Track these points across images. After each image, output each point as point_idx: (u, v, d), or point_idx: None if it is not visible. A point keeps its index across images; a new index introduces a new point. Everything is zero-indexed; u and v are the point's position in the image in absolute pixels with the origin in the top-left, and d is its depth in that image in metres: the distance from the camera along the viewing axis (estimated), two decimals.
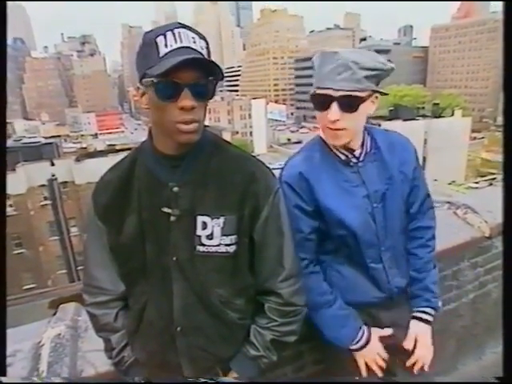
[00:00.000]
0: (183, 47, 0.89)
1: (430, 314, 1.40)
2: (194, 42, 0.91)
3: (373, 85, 1.20)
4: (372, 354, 1.33)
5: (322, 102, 1.20)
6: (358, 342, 1.31)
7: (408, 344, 1.38)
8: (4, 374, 1.14)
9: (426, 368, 1.38)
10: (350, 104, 1.18)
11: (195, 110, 0.93)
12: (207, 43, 0.95)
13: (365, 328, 1.33)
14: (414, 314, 1.41)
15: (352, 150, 1.29)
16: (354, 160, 1.29)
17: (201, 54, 0.91)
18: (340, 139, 1.24)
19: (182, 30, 0.91)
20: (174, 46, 0.89)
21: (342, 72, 1.15)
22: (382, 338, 1.35)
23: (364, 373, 1.32)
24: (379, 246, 1.32)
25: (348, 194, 1.28)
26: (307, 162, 1.30)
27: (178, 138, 0.95)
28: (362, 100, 1.19)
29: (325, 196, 1.27)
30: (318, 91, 1.20)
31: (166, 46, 0.89)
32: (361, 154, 1.30)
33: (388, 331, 1.36)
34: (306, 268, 1.28)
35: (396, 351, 1.41)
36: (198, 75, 0.90)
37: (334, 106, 1.17)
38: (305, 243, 1.28)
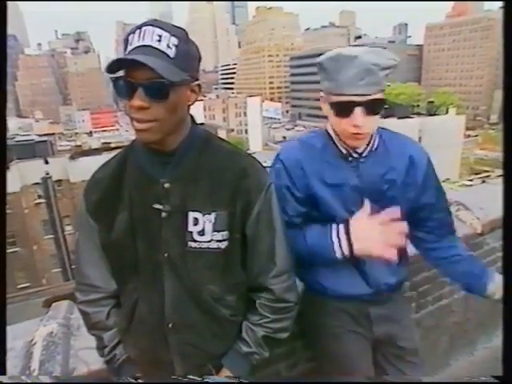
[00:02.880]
0: (142, 46, 0.89)
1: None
2: (159, 41, 0.90)
3: (386, 83, 1.21)
4: (369, 241, 1.17)
5: (345, 109, 1.18)
6: (339, 243, 1.21)
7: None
8: (4, 373, 1.13)
9: None
10: (375, 107, 1.18)
11: (150, 110, 0.91)
12: (182, 40, 0.93)
13: (337, 227, 1.23)
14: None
15: (355, 146, 1.28)
16: (355, 155, 1.29)
17: (164, 52, 0.89)
18: (362, 141, 1.24)
19: (148, 28, 0.90)
20: (134, 45, 0.90)
21: (364, 77, 1.13)
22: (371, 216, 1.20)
23: (393, 256, 1.14)
24: None
25: (341, 187, 1.28)
26: (307, 150, 1.30)
27: (137, 136, 0.96)
28: (384, 102, 1.19)
29: (319, 187, 1.27)
30: (340, 98, 1.17)
31: (130, 44, 0.90)
32: (364, 150, 1.29)
33: (366, 207, 1.21)
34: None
35: (390, 345, 1.42)
36: (152, 75, 0.88)
37: (359, 111, 1.15)
38: (288, 224, 1.26)
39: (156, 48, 0.89)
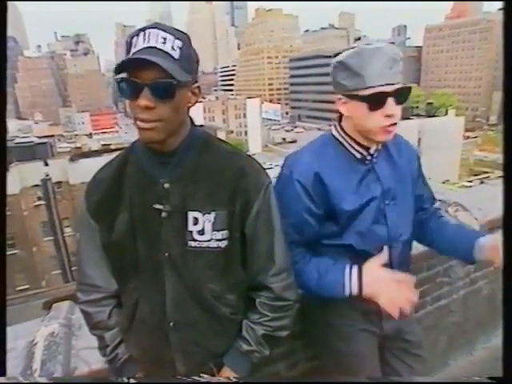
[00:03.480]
0: (148, 47, 0.91)
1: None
2: (164, 43, 0.92)
3: None
4: (380, 288, 1.16)
5: (378, 101, 1.17)
6: (350, 282, 1.20)
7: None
8: (4, 373, 1.14)
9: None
10: (404, 95, 1.20)
11: (156, 110, 0.93)
12: (185, 43, 0.95)
13: (350, 266, 1.22)
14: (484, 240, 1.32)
15: (367, 148, 1.28)
16: (369, 157, 1.29)
17: (169, 54, 0.92)
18: (392, 134, 1.23)
19: (153, 31, 0.92)
20: (140, 47, 0.91)
21: (392, 66, 1.15)
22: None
23: (395, 314, 1.13)
24: (390, 242, 1.31)
25: (363, 191, 1.27)
26: (321, 160, 1.26)
27: (140, 136, 0.97)
28: (410, 90, 1.21)
29: (341, 199, 1.24)
30: (371, 91, 1.16)
31: (134, 46, 0.92)
32: (375, 151, 1.29)
33: (384, 255, 1.22)
34: (297, 258, 1.25)
35: (397, 340, 1.42)
36: (158, 75, 0.90)
37: (391, 101, 1.16)
38: (303, 243, 1.28)
39: (161, 49, 0.91)
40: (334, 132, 1.32)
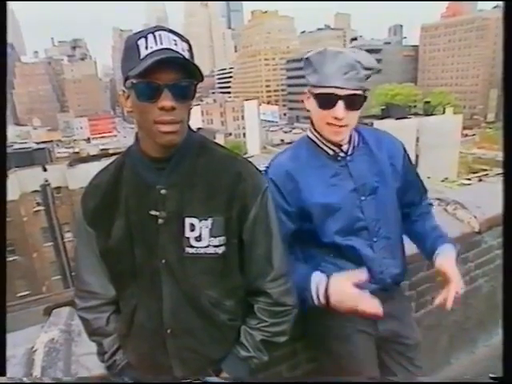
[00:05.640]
0: (163, 49, 0.90)
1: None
2: (175, 44, 0.92)
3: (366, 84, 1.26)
4: (343, 300, 1.19)
5: (328, 100, 1.23)
6: (317, 293, 1.22)
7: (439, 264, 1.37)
8: (4, 373, 1.13)
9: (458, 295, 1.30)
10: (356, 102, 1.24)
11: (176, 111, 0.93)
12: (190, 46, 0.97)
13: (316, 276, 1.25)
14: (437, 255, 1.41)
15: (339, 145, 1.32)
16: (342, 154, 1.33)
17: (182, 55, 0.92)
18: (341, 135, 1.28)
19: (162, 33, 0.92)
20: (154, 48, 0.90)
21: (348, 71, 1.20)
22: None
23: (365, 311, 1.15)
24: (370, 237, 1.34)
25: (335, 188, 1.31)
26: (294, 160, 1.33)
27: (159, 140, 0.95)
28: (365, 98, 1.25)
29: (312, 193, 1.29)
30: (323, 90, 1.23)
31: (146, 48, 0.91)
32: (348, 148, 1.34)
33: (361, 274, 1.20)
34: None
35: (393, 342, 1.43)
36: (178, 76, 0.91)
37: (340, 104, 1.21)
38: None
39: (175, 51, 0.91)
40: (309, 132, 1.38)
